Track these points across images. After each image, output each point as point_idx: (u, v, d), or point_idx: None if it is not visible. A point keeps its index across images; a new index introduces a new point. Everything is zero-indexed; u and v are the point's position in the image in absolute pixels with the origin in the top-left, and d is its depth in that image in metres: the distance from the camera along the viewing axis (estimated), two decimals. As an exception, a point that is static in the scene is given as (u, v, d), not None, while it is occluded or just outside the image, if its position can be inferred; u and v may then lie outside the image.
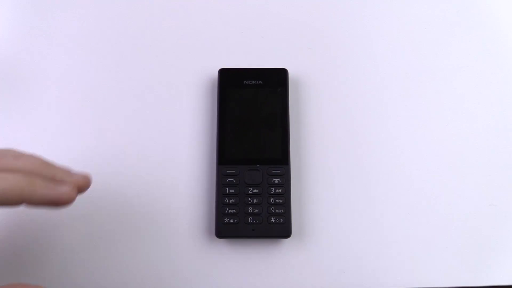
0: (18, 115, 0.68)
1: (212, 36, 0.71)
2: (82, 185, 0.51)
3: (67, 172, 0.51)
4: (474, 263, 0.63)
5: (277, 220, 0.62)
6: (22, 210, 0.65)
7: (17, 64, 0.70)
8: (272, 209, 0.62)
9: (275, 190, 0.63)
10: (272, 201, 0.62)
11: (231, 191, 0.63)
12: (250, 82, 0.67)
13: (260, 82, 0.67)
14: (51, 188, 0.48)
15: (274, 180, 0.63)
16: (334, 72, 0.70)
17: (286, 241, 0.63)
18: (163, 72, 0.69)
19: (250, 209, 0.62)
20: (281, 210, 0.62)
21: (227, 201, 0.62)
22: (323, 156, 0.66)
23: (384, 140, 0.67)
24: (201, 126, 0.67)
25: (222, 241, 0.63)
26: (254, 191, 0.63)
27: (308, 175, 0.65)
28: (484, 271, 0.63)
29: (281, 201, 0.62)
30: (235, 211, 0.62)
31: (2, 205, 0.47)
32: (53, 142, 0.66)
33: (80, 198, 0.64)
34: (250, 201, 0.62)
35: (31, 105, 0.68)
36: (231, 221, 0.62)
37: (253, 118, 0.65)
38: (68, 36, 0.71)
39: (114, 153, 0.66)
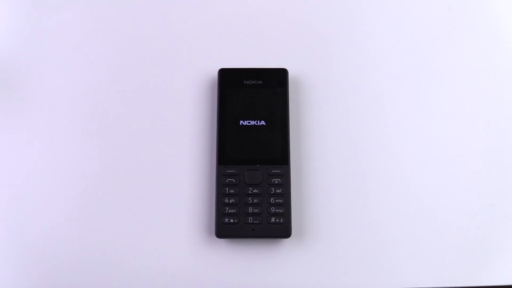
0: (18, 115, 0.68)
1: (212, 36, 0.71)
2: None
3: None
4: (474, 263, 0.63)
5: (277, 220, 0.62)
6: (22, 210, 0.65)
7: (16, 64, 0.70)
8: (272, 209, 0.62)
9: (275, 190, 0.63)
10: (272, 201, 0.62)
11: (231, 191, 0.63)
12: (250, 82, 0.67)
13: (260, 82, 0.67)
14: None
15: (274, 180, 0.63)
16: (334, 72, 0.70)
17: (286, 241, 0.63)
18: (163, 72, 0.69)
19: (250, 209, 0.62)
20: (281, 210, 0.62)
21: (227, 201, 0.62)
22: (323, 156, 0.66)
23: (383, 140, 0.67)
24: (201, 126, 0.67)
25: (222, 241, 0.63)
26: (254, 191, 0.63)
27: (308, 175, 0.65)
28: (484, 271, 0.63)
29: (281, 201, 0.62)
30: (235, 211, 0.62)
31: None
32: (51, 142, 0.66)
33: (80, 198, 0.65)
34: (250, 201, 0.62)
35: (30, 104, 0.68)
36: (231, 221, 0.62)
37: (253, 118, 0.65)
38: (67, 37, 0.71)
39: (114, 153, 0.66)
